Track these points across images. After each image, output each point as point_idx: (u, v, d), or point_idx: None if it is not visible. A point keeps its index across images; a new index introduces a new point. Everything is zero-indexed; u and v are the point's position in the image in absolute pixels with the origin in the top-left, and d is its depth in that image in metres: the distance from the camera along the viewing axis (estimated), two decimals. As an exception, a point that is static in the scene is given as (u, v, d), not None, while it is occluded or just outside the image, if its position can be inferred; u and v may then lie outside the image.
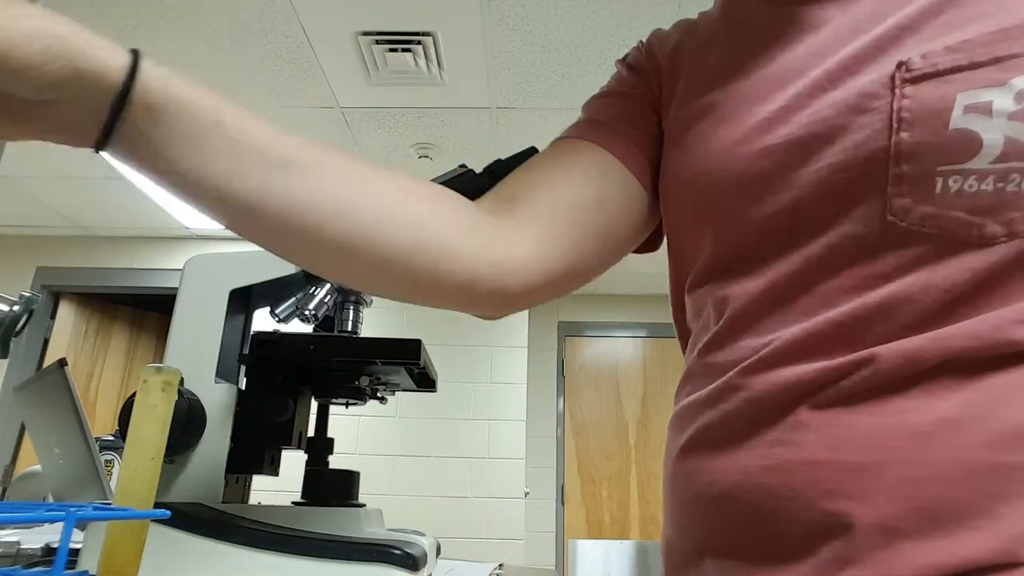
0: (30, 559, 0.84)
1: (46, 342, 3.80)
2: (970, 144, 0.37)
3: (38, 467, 1.60)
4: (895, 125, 0.39)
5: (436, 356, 3.68)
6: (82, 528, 0.75)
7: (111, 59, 0.36)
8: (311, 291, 0.83)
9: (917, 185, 0.38)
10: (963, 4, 0.40)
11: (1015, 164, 0.36)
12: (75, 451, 1.10)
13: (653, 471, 4.08)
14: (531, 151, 0.83)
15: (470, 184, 0.82)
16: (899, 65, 0.40)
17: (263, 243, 0.44)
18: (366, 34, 2.27)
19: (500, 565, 1.11)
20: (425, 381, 0.89)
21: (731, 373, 0.43)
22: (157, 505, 0.39)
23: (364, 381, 0.86)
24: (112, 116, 0.36)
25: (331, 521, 0.72)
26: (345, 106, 2.70)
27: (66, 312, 3.91)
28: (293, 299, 0.85)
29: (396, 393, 0.94)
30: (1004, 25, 0.38)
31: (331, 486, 0.79)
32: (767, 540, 0.39)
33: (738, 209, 0.46)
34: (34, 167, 3.22)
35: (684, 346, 0.56)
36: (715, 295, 0.48)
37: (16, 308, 0.98)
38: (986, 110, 0.37)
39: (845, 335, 0.39)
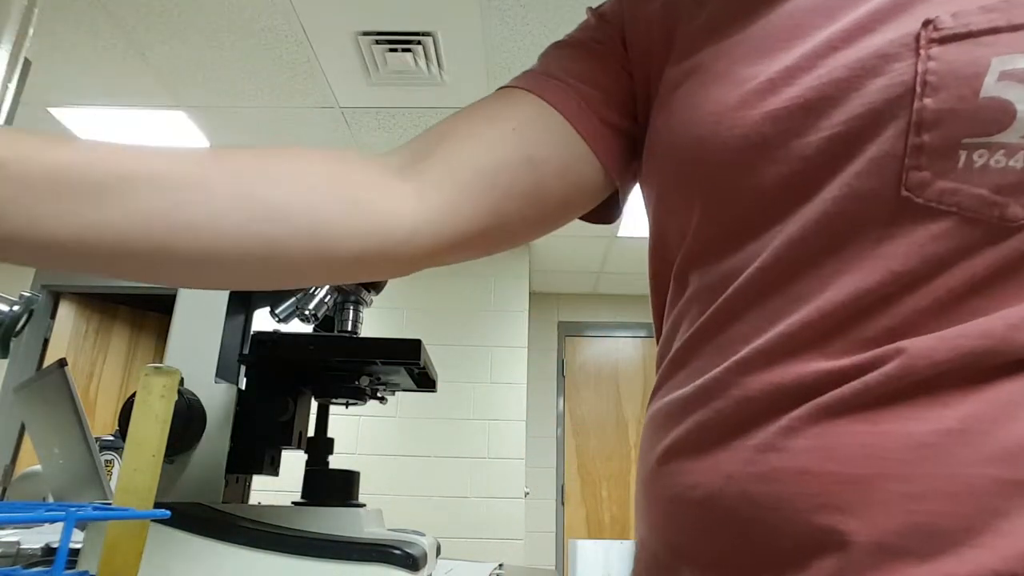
0: (30, 559, 0.84)
1: (46, 342, 3.80)
2: (1003, 115, 0.33)
3: (38, 467, 1.60)
4: (918, 89, 0.35)
5: (436, 356, 3.67)
6: (82, 528, 0.75)
7: None
8: (311, 291, 0.83)
9: (938, 157, 0.34)
10: None
11: None
12: (75, 451, 1.10)
13: (653, 471, 4.09)
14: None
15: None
16: (925, 23, 0.35)
17: (128, 277, 0.39)
18: (366, 34, 2.27)
19: (500, 565, 1.11)
20: (425, 381, 0.89)
21: (720, 368, 0.40)
22: (157, 505, 0.39)
23: (364, 381, 0.86)
24: None
25: (331, 521, 0.72)
26: (345, 106, 2.70)
27: (66, 312, 3.91)
28: (293, 299, 0.85)
29: (396, 393, 0.94)
30: None
31: (331, 486, 0.79)
32: (752, 553, 0.36)
33: (732, 180, 0.41)
34: (34, 167, 3.22)
35: (659, 336, 0.51)
36: (703, 278, 0.44)
37: (16, 308, 0.98)
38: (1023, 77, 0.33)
39: (848, 327, 0.36)
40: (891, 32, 0.37)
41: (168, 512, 0.38)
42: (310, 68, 2.46)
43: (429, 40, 2.29)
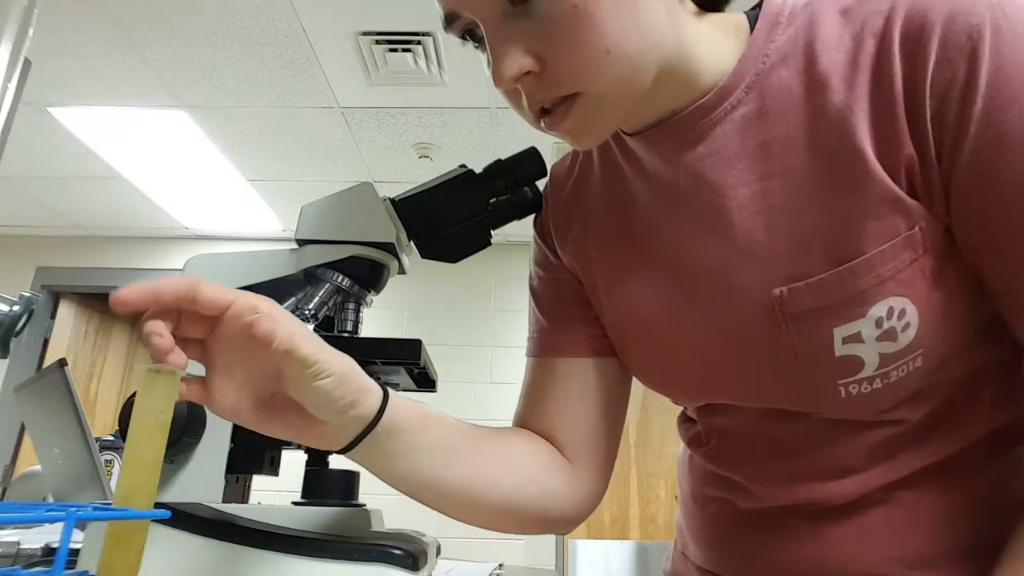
0: (30, 559, 0.84)
1: (46, 342, 3.80)
2: (855, 363, 0.47)
3: (38, 467, 1.60)
4: (795, 356, 0.49)
5: (436, 356, 3.67)
6: (82, 528, 0.75)
7: (374, 399, 0.49)
8: (311, 291, 0.83)
9: (825, 394, 0.49)
10: (792, 227, 0.48)
11: (890, 367, 0.47)
12: (75, 451, 1.10)
13: (653, 471, 4.08)
14: (531, 151, 0.83)
15: (470, 184, 0.82)
16: (776, 299, 0.48)
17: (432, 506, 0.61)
18: (366, 34, 2.27)
19: (500, 565, 1.11)
20: (425, 381, 0.89)
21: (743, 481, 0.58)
22: (157, 505, 0.39)
23: (364, 381, 0.85)
24: (360, 437, 0.50)
25: (331, 521, 0.72)
26: (345, 106, 2.70)
27: (66, 312, 3.91)
28: (293, 299, 0.84)
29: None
30: (846, 263, 0.46)
31: (331, 486, 0.79)
32: None
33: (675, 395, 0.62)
34: (34, 167, 3.22)
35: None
36: (697, 421, 0.63)
37: (16, 308, 0.98)
38: (858, 338, 0.46)
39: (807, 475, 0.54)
40: (748, 300, 0.52)
41: (168, 512, 0.38)
42: (310, 68, 2.46)
43: (429, 40, 2.29)
